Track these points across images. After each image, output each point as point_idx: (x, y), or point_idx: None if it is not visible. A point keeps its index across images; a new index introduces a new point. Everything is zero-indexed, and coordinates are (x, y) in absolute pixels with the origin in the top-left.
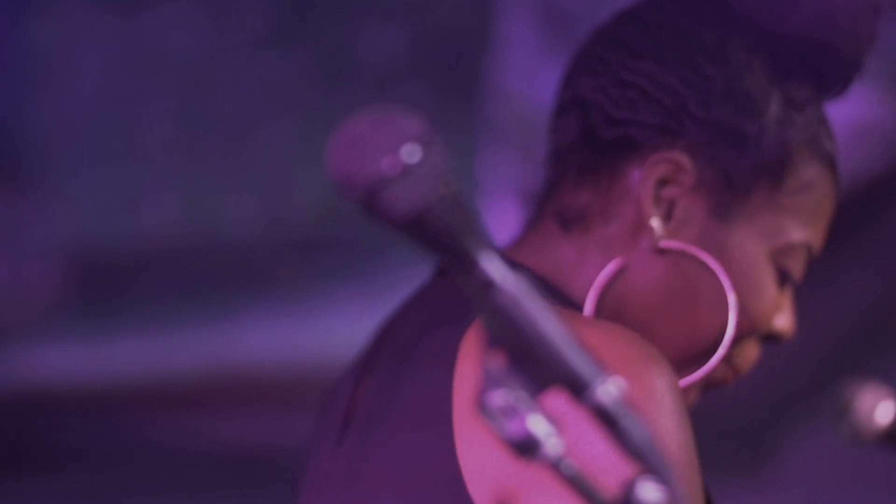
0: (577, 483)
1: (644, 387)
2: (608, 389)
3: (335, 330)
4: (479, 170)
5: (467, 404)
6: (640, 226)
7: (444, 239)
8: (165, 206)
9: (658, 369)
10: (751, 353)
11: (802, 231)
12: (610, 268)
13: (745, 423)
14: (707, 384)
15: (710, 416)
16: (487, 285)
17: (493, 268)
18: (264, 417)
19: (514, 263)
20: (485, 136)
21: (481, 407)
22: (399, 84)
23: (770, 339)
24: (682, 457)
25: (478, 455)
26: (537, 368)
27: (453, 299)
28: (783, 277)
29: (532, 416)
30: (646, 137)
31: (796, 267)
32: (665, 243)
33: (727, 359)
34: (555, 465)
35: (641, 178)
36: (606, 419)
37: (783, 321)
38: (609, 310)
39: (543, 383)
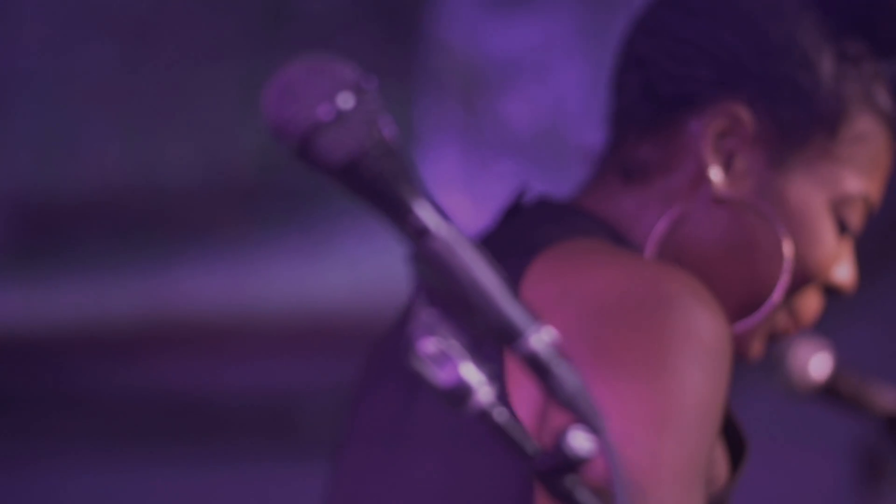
0: (508, 431)
1: (676, 323)
2: (541, 337)
3: (274, 277)
4: (418, 119)
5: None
6: (700, 177)
7: (379, 186)
8: (106, 153)
9: (700, 312)
10: (812, 303)
11: (859, 182)
12: (670, 216)
13: None
14: (771, 334)
15: None
16: (422, 232)
17: (428, 215)
18: (202, 363)
19: (578, 212)
20: (424, 85)
21: (414, 354)
22: (340, 33)
23: (831, 290)
24: (692, 400)
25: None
26: (471, 316)
27: (509, 243)
28: (842, 229)
29: (464, 364)
30: (704, 92)
31: (854, 219)
32: (723, 193)
33: (788, 308)
34: (486, 413)
35: (701, 130)
36: (538, 367)
37: (843, 273)
38: (668, 259)
39: (477, 331)
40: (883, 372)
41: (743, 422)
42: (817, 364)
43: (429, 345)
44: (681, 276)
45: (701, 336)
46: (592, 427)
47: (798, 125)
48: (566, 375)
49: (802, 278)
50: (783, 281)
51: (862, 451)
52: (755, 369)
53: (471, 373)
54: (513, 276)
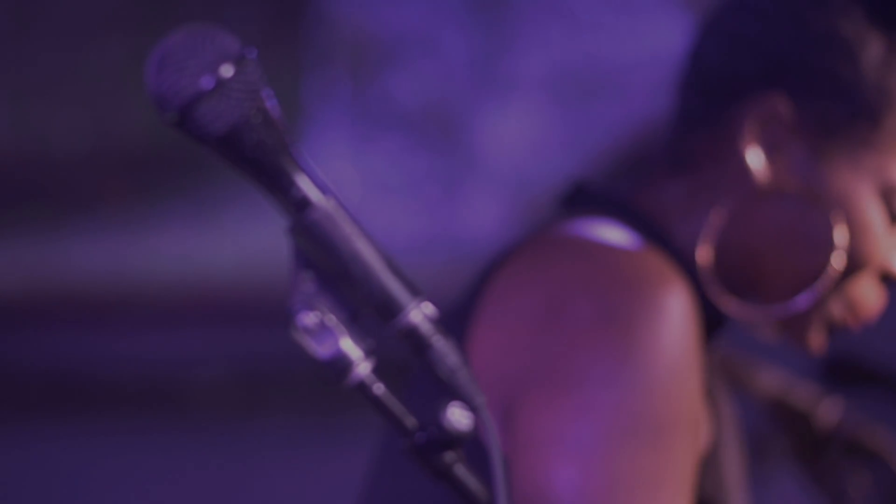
0: (385, 406)
1: (637, 305)
2: (421, 312)
3: (161, 248)
4: (306, 92)
5: None
6: (745, 168)
7: (259, 157)
8: None
9: (663, 299)
10: (871, 295)
11: None
12: (718, 210)
13: None
14: (829, 326)
15: None
16: (303, 204)
17: (309, 187)
18: (88, 334)
19: (622, 205)
20: (312, 59)
21: (294, 327)
22: (229, 5)
23: (888, 280)
24: (642, 379)
25: None
26: (352, 290)
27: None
28: (892, 218)
29: (344, 339)
30: (748, 85)
31: None
32: (767, 183)
33: (843, 299)
34: (365, 387)
35: (745, 123)
36: (417, 341)
37: None
38: (719, 251)
39: (358, 305)
40: (768, 352)
41: None
42: None
43: (308, 318)
44: (646, 261)
45: (653, 319)
46: (470, 404)
47: (840, 116)
48: (446, 350)
49: (852, 267)
50: (830, 269)
51: (746, 433)
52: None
53: (349, 346)
54: (497, 267)
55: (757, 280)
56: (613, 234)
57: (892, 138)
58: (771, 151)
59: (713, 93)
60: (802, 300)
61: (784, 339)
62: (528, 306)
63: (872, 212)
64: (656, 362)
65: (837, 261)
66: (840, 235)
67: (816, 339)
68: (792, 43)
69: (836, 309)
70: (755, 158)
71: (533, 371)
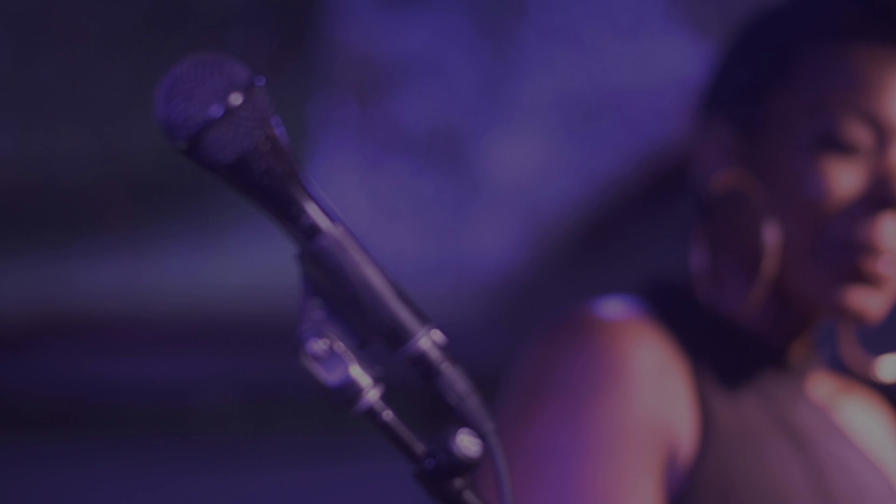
0: (394, 432)
1: (549, 360)
2: (429, 340)
3: (167, 272)
4: (313, 118)
5: None
6: (704, 186)
7: (269, 183)
8: (0, 146)
9: (580, 348)
10: (876, 226)
11: (834, 104)
12: (698, 238)
13: None
14: (858, 277)
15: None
16: (312, 231)
17: (318, 214)
18: (94, 357)
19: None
20: (319, 84)
21: (303, 354)
22: (235, 31)
23: (877, 203)
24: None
25: None
26: (361, 317)
27: None
28: (846, 150)
29: (353, 366)
30: (706, 111)
31: (853, 135)
32: (718, 189)
33: (849, 245)
34: (374, 414)
35: (697, 150)
36: (426, 369)
37: (877, 189)
38: (720, 261)
39: (366, 333)
40: None
41: None
42: None
43: (317, 345)
44: (580, 314)
45: (572, 371)
46: (479, 431)
47: (754, 91)
48: (454, 377)
49: (816, 220)
50: (768, 240)
51: None
52: None
53: (358, 373)
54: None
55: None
56: (613, 307)
57: (811, 83)
58: (717, 167)
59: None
60: (759, 284)
61: (838, 319)
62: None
63: (812, 168)
64: (601, 425)
65: (770, 232)
66: (775, 218)
67: (854, 300)
68: (731, 70)
69: (847, 259)
70: (702, 170)
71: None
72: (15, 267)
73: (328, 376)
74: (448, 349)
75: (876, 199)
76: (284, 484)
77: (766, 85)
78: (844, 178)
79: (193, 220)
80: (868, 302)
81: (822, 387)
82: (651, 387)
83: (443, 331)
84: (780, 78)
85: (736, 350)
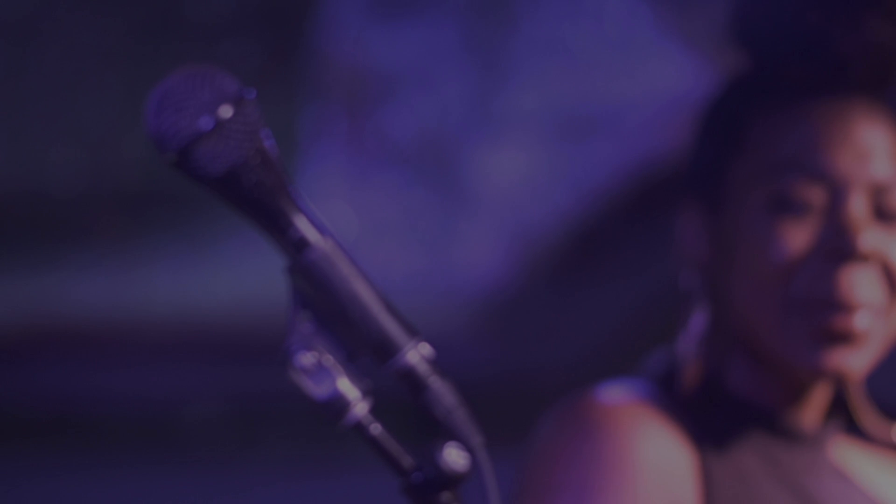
0: (382, 446)
1: (555, 442)
2: (416, 354)
3: (156, 284)
4: (302, 129)
5: None
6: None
7: (257, 197)
8: None
9: (581, 441)
10: (829, 279)
11: (781, 164)
12: (693, 316)
13: (558, 387)
14: (823, 334)
15: (523, 380)
16: (301, 244)
17: (307, 228)
18: (83, 369)
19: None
20: (309, 96)
21: (291, 367)
22: (225, 42)
23: (835, 258)
24: None
25: None
26: (349, 331)
27: None
28: (795, 211)
29: (341, 379)
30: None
31: (800, 194)
32: (687, 275)
33: (812, 302)
34: (362, 428)
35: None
36: (414, 382)
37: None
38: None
39: (355, 346)
40: None
41: None
42: None
43: (306, 358)
44: (581, 401)
45: (569, 455)
46: (467, 444)
47: (712, 169)
48: (442, 391)
49: (780, 283)
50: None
51: None
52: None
53: (346, 386)
54: None
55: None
56: (615, 392)
57: (760, 152)
58: (693, 251)
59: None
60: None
61: (818, 377)
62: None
63: (766, 233)
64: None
65: (737, 303)
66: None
67: (825, 359)
68: (696, 151)
69: (813, 315)
70: (686, 261)
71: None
72: (4, 278)
73: (316, 389)
74: (436, 362)
75: (835, 253)
76: (273, 496)
77: (725, 160)
78: (801, 237)
79: (183, 231)
80: (846, 361)
81: (843, 453)
82: (653, 478)
83: (431, 344)
84: (737, 150)
85: (738, 423)
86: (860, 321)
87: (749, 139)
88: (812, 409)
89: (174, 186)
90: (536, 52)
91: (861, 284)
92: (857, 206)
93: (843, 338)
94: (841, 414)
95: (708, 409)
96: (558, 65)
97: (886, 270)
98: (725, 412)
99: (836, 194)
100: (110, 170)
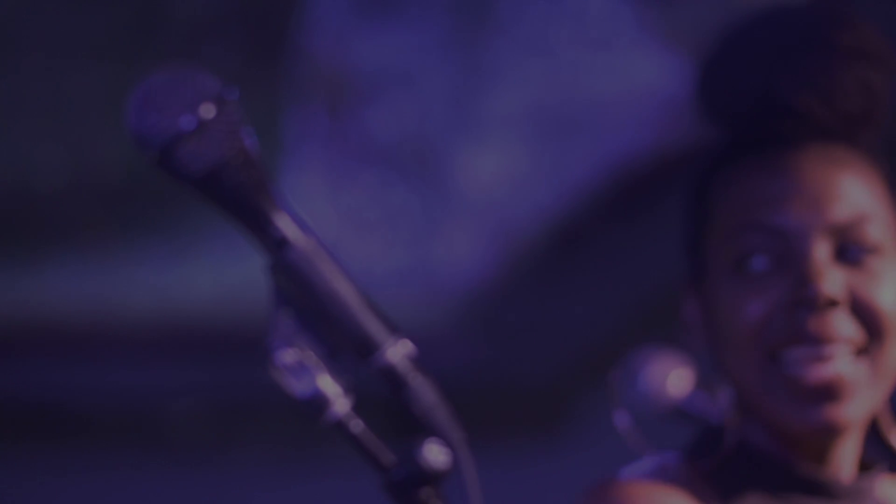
0: (363, 443)
1: None
2: (397, 351)
3: (139, 281)
4: (283, 129)
5: None
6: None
7: (238, 196)
8: None
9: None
10: (797, 325)
11: (730, 227)
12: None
13: (541, 384)
14: (807, 396)
15: (506, 378)
16: (281, 243)
17: (287, 226)
18: (64, 365)
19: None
20: (291, 95)
21: (272, 365)
22: (207, 41)
23: (799, 305)
24: None
25: None
26: (330, 329)
27: None
28: (753, 266)
29: (322, 376)
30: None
31: (748, 248)
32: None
33: (781, 369)
34: (343, 425)
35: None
36: (394, 380)
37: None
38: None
39: (336, 343)
40: None
41: (601, 428)
42: (676, 380)
43: (287, 355)
44: (609, 486)
45: None
46: (448, 441)
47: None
48: (423, 388)
49: (754, 344)
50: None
51: None
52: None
53: (328, 384)
54: None
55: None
56: (637, 469)
57: (718, 228)
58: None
59: None
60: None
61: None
62: None
63: (732, 296)
64: None
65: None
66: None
67: (812, 415)
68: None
69: (785, 375)
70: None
71: None
72: None
73: (297, 387)
74: (418, 360)
75: (801, 304)
76: (254, 493)
77: (700, 235)
78: (766, 295)
79: (165, 229)
80: (836, 414)
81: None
82: None
83: (413, 341)
84: (707, 223)
85: (769, 487)
86: (837, 365)
87: (714, 209)
88: (843, 459)
89: (156, 184)
90: (518, 50)
91: (831, 324)
92: (818, 253)
93: (826, 391)
94: (881, 454)
95: (735, 475)
96: (540, 63)
97: (858, 310)
98: (754, 477)
99: (795, 245)
100: (92, 167)
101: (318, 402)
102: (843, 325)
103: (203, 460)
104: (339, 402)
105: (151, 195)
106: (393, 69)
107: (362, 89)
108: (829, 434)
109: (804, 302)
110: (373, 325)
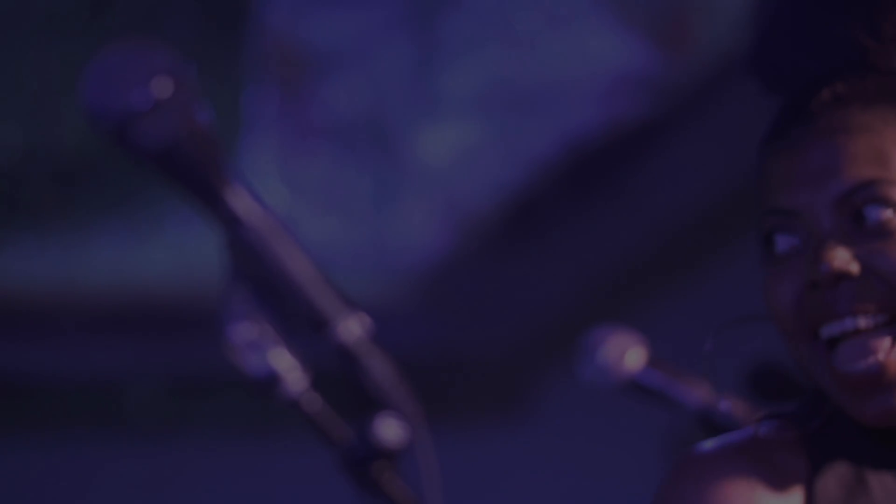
0: (317, 419)
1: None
2: (349, 327)
3: (96, 259)
4: (245, 106)
5: None
6: None
7: (192, 173)
8: None
9: (666, 479)
10: (813, 304)
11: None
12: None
13: (497, 360)
14: (856, 387)
15: (462, 354)
16: (236, 219)
17: (239, 203)
18: (22, 344)
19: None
20: (247, 73)
21: (227, 342)
22: (166, 18)
23: (817, 285)
24: None
25: None
26: (285, 305)
27: None
28: (777, 246)
29: (275, 350)
30: None
31: (770, 231)
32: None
33: (828, 364)
34: (296, 401)
35: None
36: (350, 355)
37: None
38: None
39: (291, 320)
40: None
41: (559, 406)
42: (632, 357)
43: (243, 332)
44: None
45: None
46: (404, 415)
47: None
48: (379, 364)
49: (792, 329)
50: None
51: (676, 446)
52: (568, 360)
53: (281, 360)
54: None
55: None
56: (719, 439)
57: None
58: None
59: None
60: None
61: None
62: None
63: (770, 284)
64: None
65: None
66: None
67: (866, 409)
68: None
69: (834, 373)
70: None
71: None
72: None
73: (252, 364)
74: (374, 335)
75: (815, 283)
76: (213, 469)
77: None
78: (793, 277)
79: (121, 205)
80: (887, 403)
81: None
82: None
83: (369, 318)
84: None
85: (858, 457)
86: (878, 355)
87: (756, 191)
88: None
89: (113, 161)
90: (474, 27)
91: (848, 298)
92: (825, 228)
93: (871, 385)
94: None
95: (828, 444)
96: (496, 40)
97: (882, 280)
98: (845, 447)
99: (807, 224)
100: (48, 145)
101: (272, 379)
102: (864, 295)
103: (161, 437)
104: (295, 378)
105: (108, 172)
106: (350, 46)
107: (319, 65)
108: (890, 421)
109: (818, 281)
110: (328, 301)
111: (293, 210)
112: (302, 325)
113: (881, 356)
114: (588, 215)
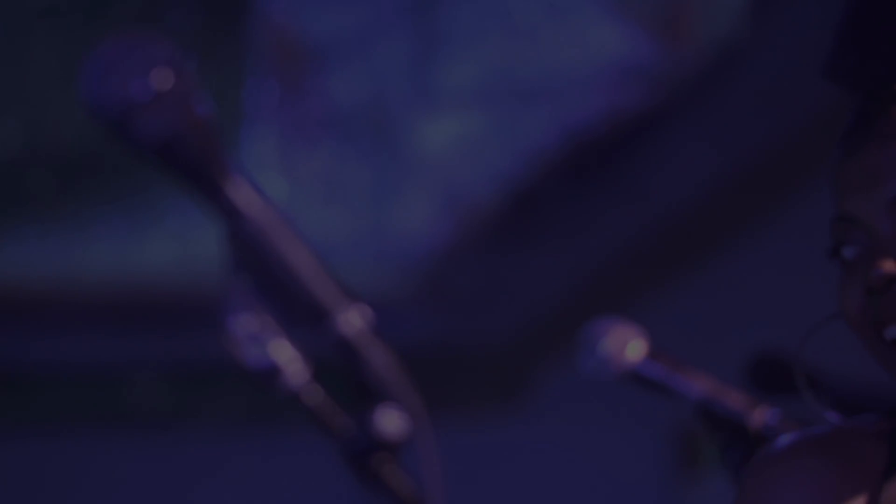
0: (317, 412)
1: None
2: (350, 319)
3: (97, 252)
4: (246, 98)
5: None
6: None
7: (192, 166)
8: None
9: (752, 471)
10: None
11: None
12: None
13: (498, 351)
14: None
15: (462, 345)
16: (236, 212)
17: (240, 195)
18: (22, 336)
19: None
20: (248, 65)
21: (228, 334)
22: (167, 9)
23: (875, 290)
24: None
25: None
26: (286, 297)
27: None
28: (847, 253)
29: (276, 342)
30: None
31: (843, 241)
32: None
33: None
34: (297, 393)
35: None
36: (351, 347)
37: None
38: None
39: (292, 312)
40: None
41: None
42: (632, 348)
43: (244, 325)
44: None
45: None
46: (405, 407)
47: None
48: (376, 356)
49: (857, 329)
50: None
51: (676, 437)
52: (568, 351)
53: (282, 351)
54: None
55: None
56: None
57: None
58: None
59: None
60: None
61: None
62: None
63: (839, 293)
64: None
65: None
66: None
67: None
68: None
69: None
70: None
71: None
72: None
73: (253, 355)
74: (375, 327)
75: (872, 288)
76: (215, 461)
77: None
78: (858, 283)
79: (121, 196)
80: None
81: None
82: None
83: (370, 309)
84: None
85: None
86: None
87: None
88: None
89: (113, 154)
90: (474, 17)
91: None
92: (882, 231)
93: None
94: None
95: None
96: (496, 30)
97: None
98: None
99: (866, 230)
100: (46, 137)
101: (273, 371)
102: None
103: (162, 428)
104: (296, 370)
105: (109, 165)
106: (350, 37)
107: (319, 57)
108: None
109: (873, 287)
110: (329, 292)
111: (293, 201)
112: (302, 316)
113: None
114: (588, 206)
